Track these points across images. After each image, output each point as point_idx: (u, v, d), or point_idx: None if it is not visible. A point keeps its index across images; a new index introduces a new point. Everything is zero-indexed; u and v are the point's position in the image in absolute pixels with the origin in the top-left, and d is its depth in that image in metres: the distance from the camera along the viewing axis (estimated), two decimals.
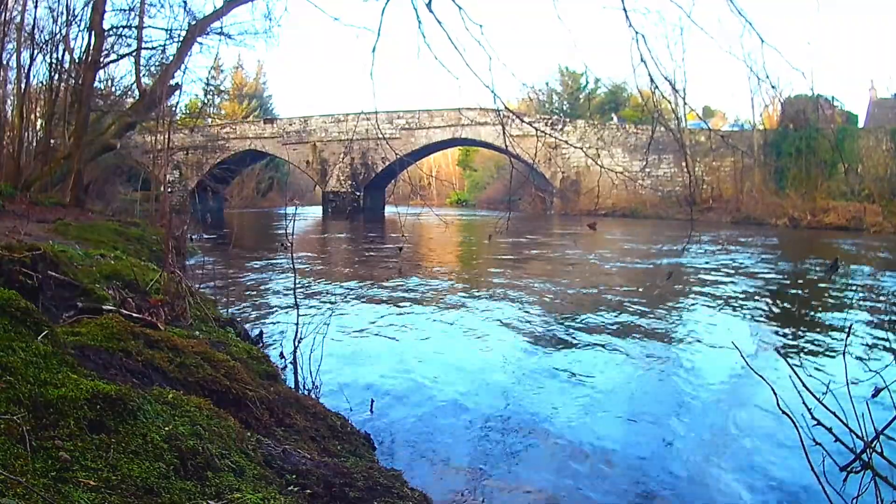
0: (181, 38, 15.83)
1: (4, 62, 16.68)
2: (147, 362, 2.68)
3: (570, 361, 5.66)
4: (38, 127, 18.72)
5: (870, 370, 4.86)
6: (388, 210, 33.23)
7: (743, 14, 3.35)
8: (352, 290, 9.54)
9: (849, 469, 1.92)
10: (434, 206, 42.06)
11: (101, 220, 12.34)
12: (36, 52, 16.92)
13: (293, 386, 3.99)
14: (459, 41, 3.54)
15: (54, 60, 16.90)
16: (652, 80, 3.49)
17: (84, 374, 2.01)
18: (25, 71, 16.78)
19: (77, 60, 16.55)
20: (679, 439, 3.92)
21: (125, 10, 16.65)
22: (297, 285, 5.27)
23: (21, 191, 13.93)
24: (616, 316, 7.62)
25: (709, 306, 8.34)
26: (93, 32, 15.25)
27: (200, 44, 16.96)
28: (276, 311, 7.78)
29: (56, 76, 17.04)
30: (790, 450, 3.57)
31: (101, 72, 17.47)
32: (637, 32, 3.40)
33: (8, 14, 15.58)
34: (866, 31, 74.85)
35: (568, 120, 34.84)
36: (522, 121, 5.69)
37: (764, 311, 8.14)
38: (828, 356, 5.78)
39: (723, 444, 3.86)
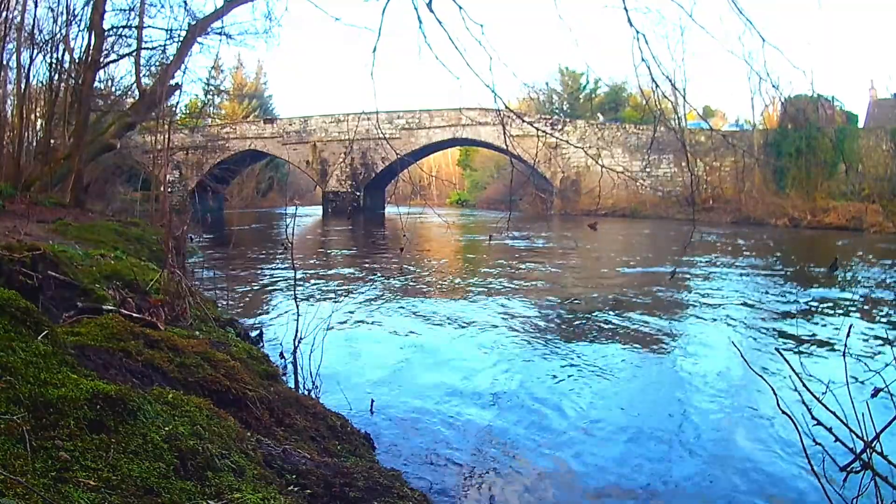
0: (181, 38, 15.83)
1: (4, 62, 16.64)
2: (147, 362, 2.68)
3: (571, 361, 5.66)
4: (38, 127, 18.70)
5: (870, 370, 4.86)
6: (389, 210, 33.23)
7: (744, 14, 3.35)
8: (352, 289, 9.53)
9: (849, 469, 1.92)
10: (434, 206, 42.06)
11: (101, 220, 12.34)
12: (36, 52, 16.91)
13: (293, 386, 3.99)
14: (460, 41, 3.53)
15: (54, 60, 16.89)
16: (653, 80, 3.49)
17: (84, 374, 2.01)
18: (25, 71, 16.76)
19: (77, 60, 16.54)
20: (679, 439, 3.92)
21: (125, 10, 16.65)
22: (298, 285, 5.27)
23: (21, 191, 13.92)
24: (616, 316, 7.62)
25: (709, 306, 8.34)
26: (93, 32, 15.24)
27: (200, 44, 16.98)
28: (276, 311, 7.78)
29: (56, 76, 17.02)
30: (790, 450, 3.57)
31: (101, 72, 17.47)
32: (638, 32, 3.40)
33: (8, 14, 15.57)
34: (866, 31, 74.82)
35: (568, 120, 34.83)
36: (523, 120, 5.68)
37: (764, 310, 8.13)
38: (828, 356, 5.78)
39: (723, 443, 3.86)
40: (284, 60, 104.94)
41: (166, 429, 1.85)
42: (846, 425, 1.93)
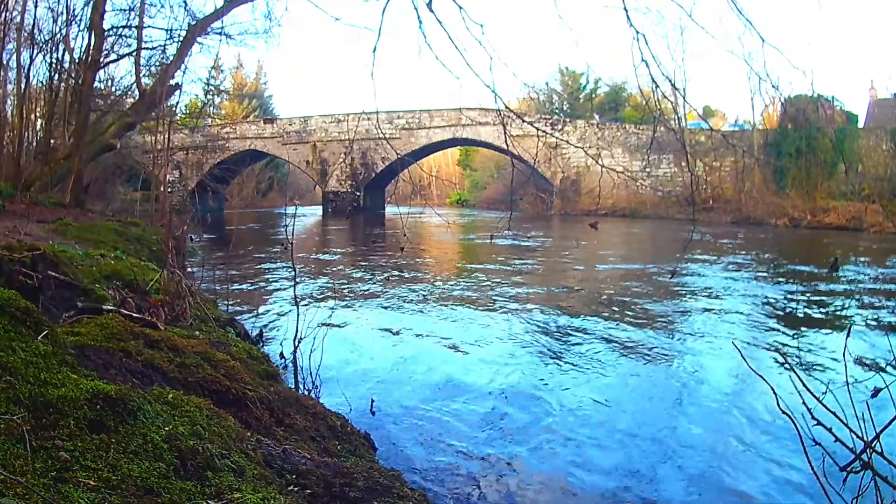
0: (181, 38, 15.83)
1: (4, 62, 16.64)
2: (147, 362, 2.68)
3: (570, 361, 5.66)
4: (38, 127, 18.69)
5: (870, 370, 4.87)
6: (389, 210, 33.25)
7: (743, 14, 3.35)
8: (352, 289, 9.54)
9: (849, 469, 1.91)
10: (434, 205, 42.05)
11: (101, 220, 12.33)
12: (36, 52, 16.90)
13: (293, 386, 3.99)
14: (460, 41, 3.52)
15: (54, 60, 16.88)
16: (653, 80, 3.49)
17: (84, 374, 2.01)
18: (25, 71, 16.75)
19: (77, 60, 16.54)
20: (679, 439, 3.92)
21: (125, 10, 16.64)
22: (297, 285, 5.27)
23: (21, 191, 13.91)
24: (616, 316, 7.62)
25: (709, 306, 8.34)
26: (93, 32, 15.23)
27: (200, 44, 16.97)
28: (276, 311, 7.78)
29: (56, 76, 17.01)
30: (790, 450, 3.57)
31: (101, 72, 17.46)
32: (638, 32, 3.39)
33: (8, 14, 15.55)
34: (866, 31, 74.81)
35: (568, 120, 34.84)
36: (523, 120, 5.68)
37: (764, 311, 8.14)
38: (828, 356, 5.78)
39: (723, 444, 3.86)
40: (284, 60, 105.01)
41: (166, 429, 1.85)
42: (846, 425, 1.93)
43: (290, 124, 37.25)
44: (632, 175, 26.47)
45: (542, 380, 5.12)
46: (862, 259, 13.77)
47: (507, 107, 4.21)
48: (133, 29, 16.31)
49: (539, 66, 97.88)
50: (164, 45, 16.81)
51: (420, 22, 3.60)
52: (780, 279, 10.90)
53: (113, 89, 20.54)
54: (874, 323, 7.30)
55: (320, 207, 37.15)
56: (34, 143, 18.18)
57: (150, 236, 10.92)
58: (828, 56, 59.98)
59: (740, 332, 6.89)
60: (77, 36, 17.80)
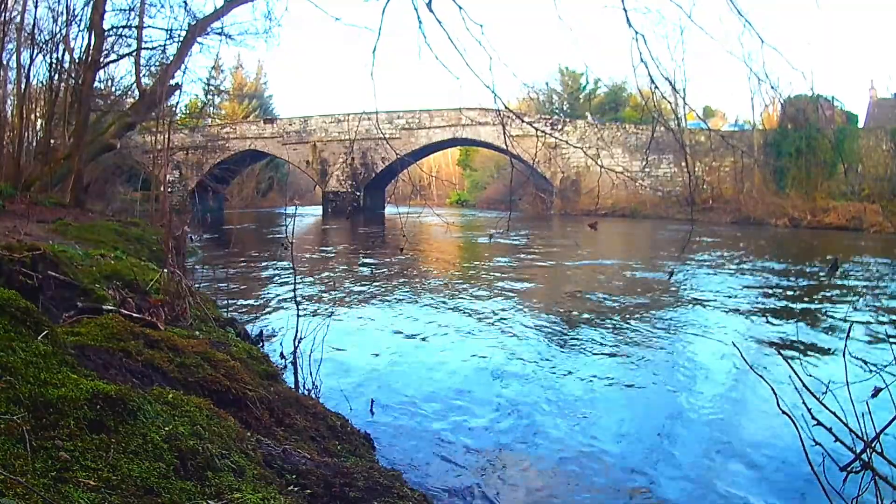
0: (181, 38, 15.85)
1: (4, 62, 16.68)
2: (147, 362, 2.68)
3: (570, 362, 5.66)
4: (38, 127, 18.72)
5: (870, 370, 4.86)
6: (389, 210, 33.23)
7: (743, 15, 3.35)
8: (352, 289, 9.53)
9: (849, 469, 1.91)
10: (434, 206, 42.00)
11: (101, 220, 12.35)
12: (36, 52, 16.94)
13: (293, 386, 3.99)
14: (460, 41, 3.53)
15: (54, 60, 16.91)
16: (652, 81, 3.49)
17: (84, 374, 2.01)
18: (25, 71, 16.79)
19: (77, 60, 16.56)
20: (679, 439, 3.92)
21: (125, 10, 16.68)
22: (297, 285, 5.27)
23: (21, 191, 13.93)
24: (616, 316, 7.62)
25: (709, 306, 8.33)
26: (93, 32, 15.25)
27: (200, 44, 17.00)
28: (276, 311, 7.78)
29: (56, 76, 17.05)
30: (790, 450, 3.57)
31: (101, 72, 17.48)
32: (637, 32, 3.40)
33: (8, 14, 15.57)
34: (866, 31, 74.81)
35: (568, 120, 34.83)
36: (523, 120, 5.69)
37: (764, 311, 8.14)
38: (828, 356, 5.78)
39: (723, 443, 3.86)
40: (284, 60, 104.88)
41: (166, 429, 1.85)
42: (846, 425, 1.93)
43: (290, 124, 37.24)
44: (631, 175, 26.45)
45: (542, 380, 5.12)
46: (862, 259, 13.76)
47: (506, 107, 4.21)
48: (133, 29, 16.35)
49: (539, 66, 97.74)
50: (164, 45, 16.86)
51: (420, 22, 3.60)
52: (780, 279, 10.90)
53: (113, 89, 20.59)
54: (874, 323, 7.30)
55: (320, 207, 37.12)
56: (34, 143, 18.21)
57: (150, 236, 10.93)
58: (828, 56, 60.00)
59: (740, 333, 6.89)
60: (77, 36, 17.85)
